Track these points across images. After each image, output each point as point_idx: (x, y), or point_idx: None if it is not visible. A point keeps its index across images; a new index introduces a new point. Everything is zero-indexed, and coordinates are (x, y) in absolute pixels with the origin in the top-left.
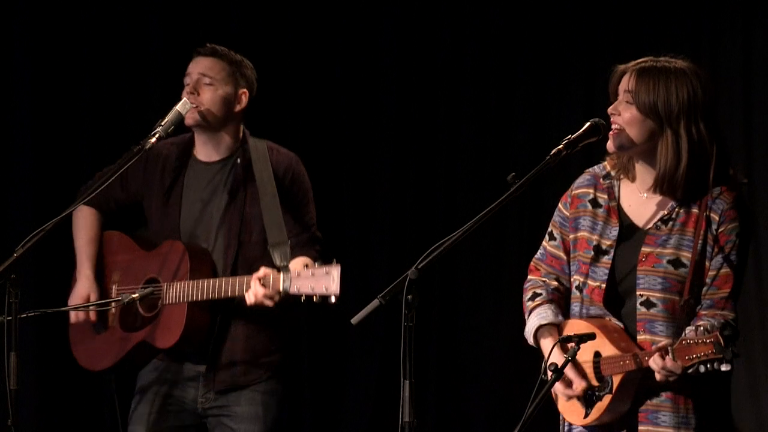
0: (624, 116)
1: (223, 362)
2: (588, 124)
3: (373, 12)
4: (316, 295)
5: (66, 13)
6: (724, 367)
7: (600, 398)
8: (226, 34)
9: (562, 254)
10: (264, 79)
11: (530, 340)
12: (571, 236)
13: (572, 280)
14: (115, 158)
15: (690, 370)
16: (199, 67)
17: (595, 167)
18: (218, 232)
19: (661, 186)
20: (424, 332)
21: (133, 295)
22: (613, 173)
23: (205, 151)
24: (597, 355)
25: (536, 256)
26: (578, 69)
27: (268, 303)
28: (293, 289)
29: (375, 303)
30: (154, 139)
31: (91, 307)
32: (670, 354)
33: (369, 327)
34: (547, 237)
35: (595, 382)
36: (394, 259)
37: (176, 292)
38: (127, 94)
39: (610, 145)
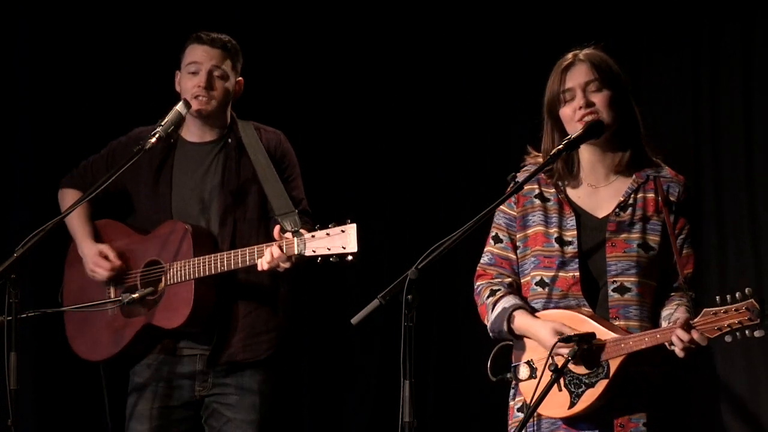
0: (599, 101)
1: (223, 340)
2: (588, 124)
3: (377, 8)
4: (333, 256)
5: (66, 14)
6: (757, 333)
7: (592, 385)
8: (230, 24)
9: (511, 254)
10: (265, 78)
11: (503, 326)
12: (519, 235)
13: (530, 277)
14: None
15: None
16: (211, 59)
17: (528, 166)
18: (213, 210)
19: (632, 159)
20: (424, 332)
21: (134, 296)
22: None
23: (196, 132)
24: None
25: (482, 261)
26: None
27: (284, 265)
28: (309, 252)
29: (375, 303)
30: (154, 139)
31: (93, 298)
32: (695, 328)
33: (369, 327)
34: (491, 241)
35: (583, 370)
36: (394, 259)
37: (181, 271)
38: (128, 95)
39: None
